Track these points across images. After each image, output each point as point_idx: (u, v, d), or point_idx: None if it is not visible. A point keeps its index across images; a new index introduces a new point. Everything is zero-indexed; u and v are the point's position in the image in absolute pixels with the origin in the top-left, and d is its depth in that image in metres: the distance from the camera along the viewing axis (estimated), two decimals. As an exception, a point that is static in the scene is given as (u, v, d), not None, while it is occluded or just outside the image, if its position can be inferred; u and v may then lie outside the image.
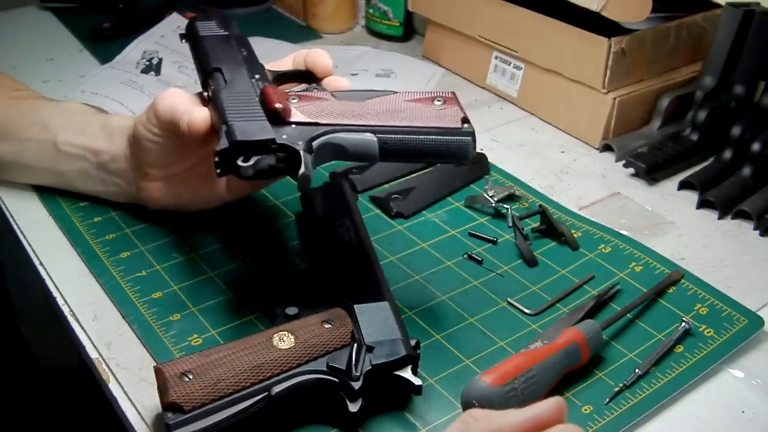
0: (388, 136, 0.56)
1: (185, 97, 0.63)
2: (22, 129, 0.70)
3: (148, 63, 0.99)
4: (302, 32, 1.14)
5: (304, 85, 0.64)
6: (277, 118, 0.56)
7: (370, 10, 1.11)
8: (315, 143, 0.55)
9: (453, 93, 0.60)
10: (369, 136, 0.55)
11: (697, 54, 0.91)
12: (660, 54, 0.88)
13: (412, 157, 0.57)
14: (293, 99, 0.58)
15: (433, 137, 0.56)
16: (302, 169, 0.53)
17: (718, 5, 0.89)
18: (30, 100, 0.75)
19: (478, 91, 0.98)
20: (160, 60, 1.00)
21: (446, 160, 0.58)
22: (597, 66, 0.84)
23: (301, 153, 0.54)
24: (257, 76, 0.62)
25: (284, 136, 0.55)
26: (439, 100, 0.59)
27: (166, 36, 1.06)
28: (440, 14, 1.01)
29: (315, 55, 0.65)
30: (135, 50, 1.02)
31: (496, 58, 0.96)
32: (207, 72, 0.63)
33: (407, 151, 0.56)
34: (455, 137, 0.56)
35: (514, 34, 0.92)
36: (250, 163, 0.53)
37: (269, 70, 0.65)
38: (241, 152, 0.53)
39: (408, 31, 1.12)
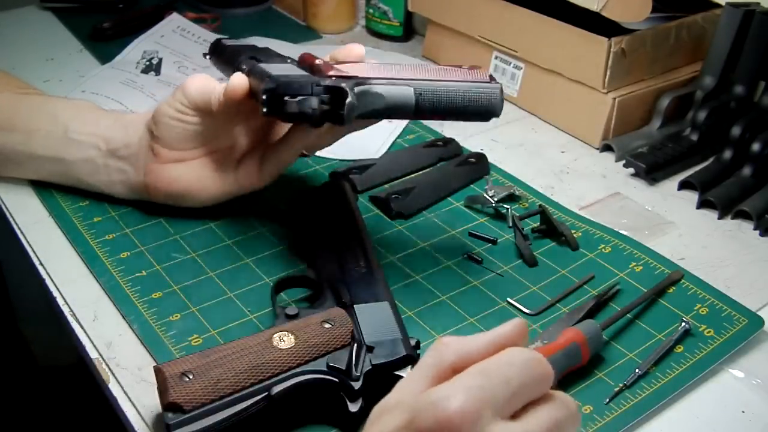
0: (424, 88, 0.58)
1: (216, 81, 0.65)
2: (31, 119, 0.71)
3: (148, 63, 0.99)
4: (302, 32, 1.14)
5: None
6: (318, 72, 0.59)
7: (370, 10, 1.11)
8: (356, 89, 0.58)
9: (477, 65, 0.64)
10: (406, 89, 0.58)
11: (697, 54, 0.91)
12: (660, 54, 0.88)
13: (446, 111, 0.60)
14: (331, 62, 0.62)
15: (465, 90, 0.59)
16: (349, 98, 0.56)
17: (718, 5, 0.89)
18: (39, 95, 0.76)
19: (478, 91, 0.98)
20: (160, 60, 1.00)
21: (476, 113, 0.60)
22: (597, 66, 0.84)
23: (346, 88, 0.57)
24: (289, 60, 0.66)
25: (327, 82, 0.58)
26: (466, 66, 0.62)
27: (166, 36, 1.06)
28: (440, 14, 1.02)
29: (347, 48, 0.67)
30: (135, 50, 1.02)
31: (496, 58, 0.96)
32: (240, 60, 0.65)
33: (442, 103, 0.59)
34: (485, 90, 0.59)
35: (514, 34, 0.92)
36: (296, 99, 0.57)
37: None
38: (287, 92, 0.56)
39: (408, 31, 1.12)
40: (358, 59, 0.67)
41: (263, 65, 0.62)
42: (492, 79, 0.60)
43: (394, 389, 0.38)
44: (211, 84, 0.64)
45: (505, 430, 0.34)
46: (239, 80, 0.61)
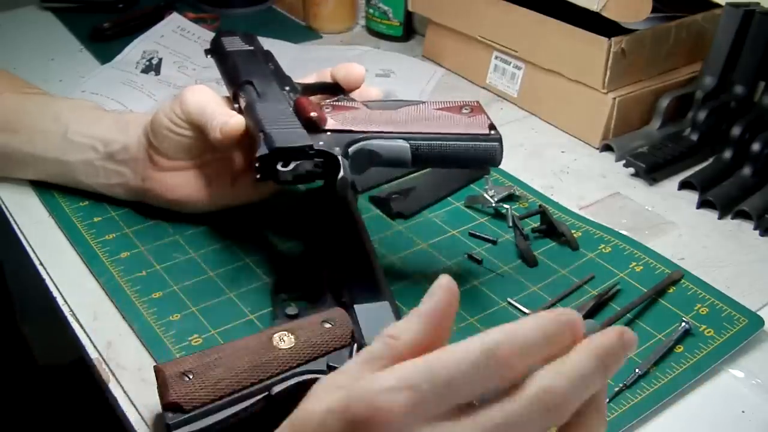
0: (420, 142, 0.58)
1: (215, 98, 0.64)
2: (34, 120, 0.71)
3: (148, 63, 0.99)
4: (302, 32, 1.15)
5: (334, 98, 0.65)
6: (313, 126, 0.59)
7: (370, 10, 1.11)
8: (351, 149, 0.57)
9: (478, 102, 0.63)
10: (402, 143, 0.58)
11: (697, 54, 0.91)
12: (660, 54, 0.88)
13: (443, 162, 0.59)
14: (327, 108, 0.61)
15: (463, 143, 0.58)
16: (341, 173, 0.55)
17: (718, 5, 0.89)
18: (42, 96, 0.76)
19: (478, 91, 0.98)
20: (160, 60, 1.00)
21: (475, 165, 0.60)
22: (597, 66, 0.84)
23: (339, 158, 0.56)
24: (287, 88, 0.64)
25: (321, 143, 0.57)
26: (466, 109, 0.62)
27: (166, 36, 1.06)
28: (440, 14, 1.02)
29: (347, 68, 0.66)
30: (135, 50, 1.02)
31: (496, 58, 0.96)
32: (238, 84, 0.65)
33: (438, 156, 0.58)
34: (483, 143, 0.58)
35: (514, 34, 0.92)
36: (289, 168, 0.55)
37: (297, 83, 0.67)
38: (280, 158, 0.56)
39: (408, 31, 1.12)
40: (358, 79, 0.66)
41: (259, 106, 0.61)
42: (492, 128, 0.59)
43: (339, 369, 0.37)
44: (211, 106, 0.63)
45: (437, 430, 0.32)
46: (236, 124, 0.60)
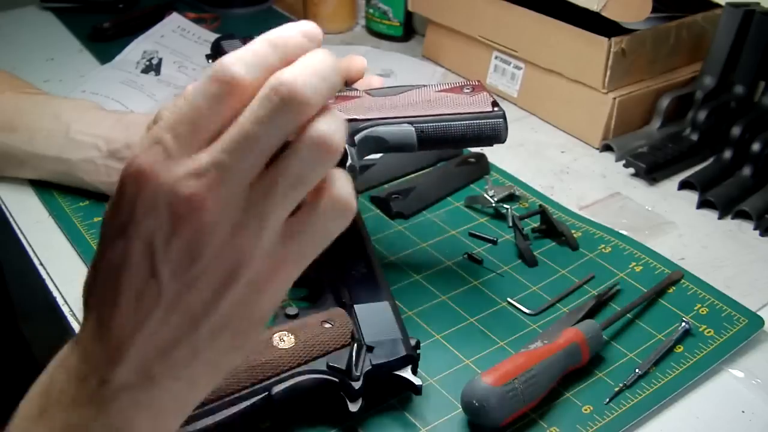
0: (425, 125, 0.58)
1: None
2: (34, 119, 0.71)
3: (148, 63, 0.99)
4: (302, 32, 1.14)
5: None
6: None
7: (370, 10, 1.11)
8: (356, 137, 0.58)
9: (479, 81, 0.63)
10: (407, 127, 0.58)
11: (697, 54, 0.91)
12: (660, 54, 0.88)
13: (449, 142, 0.60)
14: (329, 100, 0.60)
15: (467, 122, 0.58)
16: (349, 161, 0.55)
17: (718, 5, 0.89)
18: (42, 95, 0.76)
19: (478, 91, 0.98)
20: (160, 60, 1.00)
21: (481, 142, 0.60)
22: (597, 66, 0.84)
23: (346, 146, 0.56)
24: None
25: None
26: (467, 89, 0.61)
27: (166, 36, 1.06)
28: (440, 14, 1.02)
29: (348, 60, 0.67)
30: (135, 50, 1.02)
31: (496, 58, 0.96)
32: None
33: (444, 137, 0.59)
34: (487, 120, 0.58)
35: (514, 34, 0.92)
36: None
37: None
38: None
39: (408, 31, 1.12)
40: (360, 71, 0.67)
41: None
42: (495, 105, 0.59)
43: None
44: None
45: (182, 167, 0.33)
46: None
